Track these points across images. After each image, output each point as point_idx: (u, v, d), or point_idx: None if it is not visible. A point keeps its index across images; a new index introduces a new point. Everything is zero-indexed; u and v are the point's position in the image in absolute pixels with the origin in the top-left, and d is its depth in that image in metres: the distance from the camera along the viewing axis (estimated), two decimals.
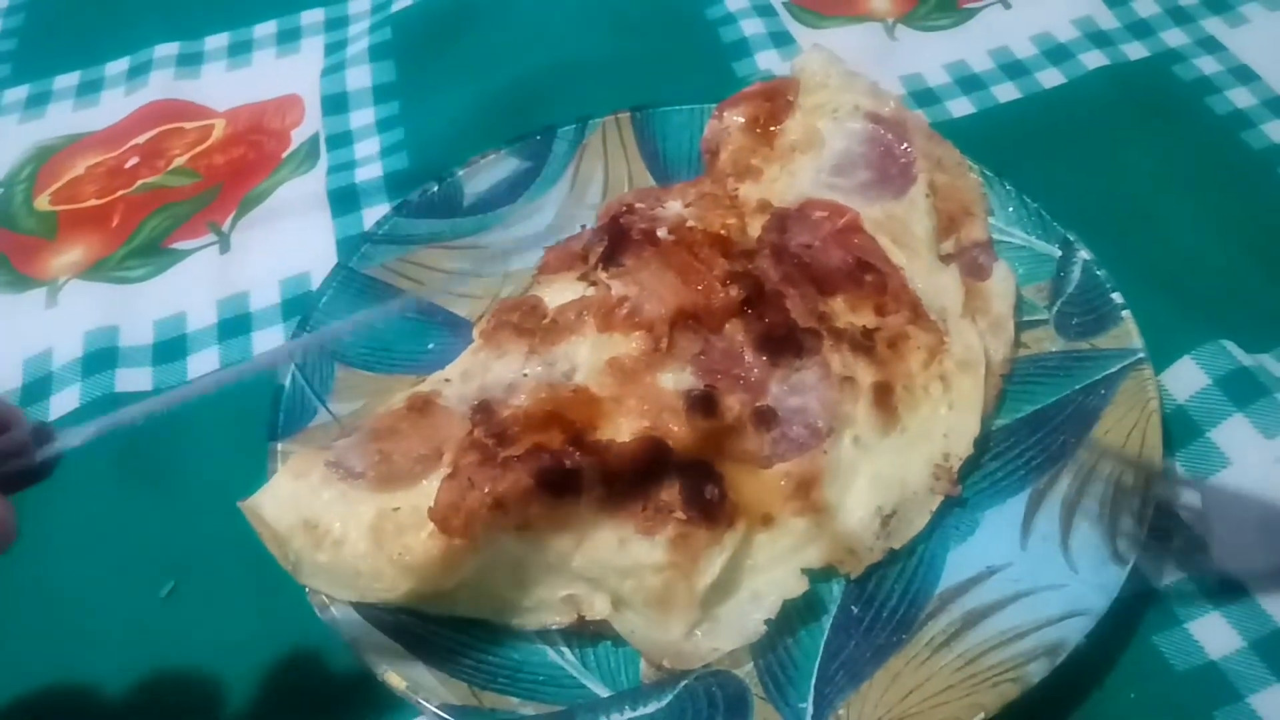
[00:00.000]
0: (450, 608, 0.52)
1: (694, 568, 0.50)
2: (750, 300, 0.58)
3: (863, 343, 0.57)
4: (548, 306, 0.60)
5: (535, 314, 0.60)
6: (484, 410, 0.54)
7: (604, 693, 0.50)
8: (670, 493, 0.51)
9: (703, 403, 0.54)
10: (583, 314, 0.58)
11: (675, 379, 0.55)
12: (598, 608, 0.50)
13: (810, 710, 0.48)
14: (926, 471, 0.55)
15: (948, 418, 0.57)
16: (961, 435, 0.57)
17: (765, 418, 0.54)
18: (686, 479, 0.51)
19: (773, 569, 0.52)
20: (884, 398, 0.56)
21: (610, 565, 0.50)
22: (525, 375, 0.56)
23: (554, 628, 0.52)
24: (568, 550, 0.50)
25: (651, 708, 0.49)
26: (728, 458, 0.53)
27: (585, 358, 0.57)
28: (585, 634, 0.52)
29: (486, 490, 0.50)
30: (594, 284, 0.61)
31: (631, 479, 0.51)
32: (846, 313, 0.59)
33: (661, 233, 0.62)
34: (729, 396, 0.55)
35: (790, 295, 0.59)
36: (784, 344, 0.56)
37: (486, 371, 0.57)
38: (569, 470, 0.51)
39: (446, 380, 0.57)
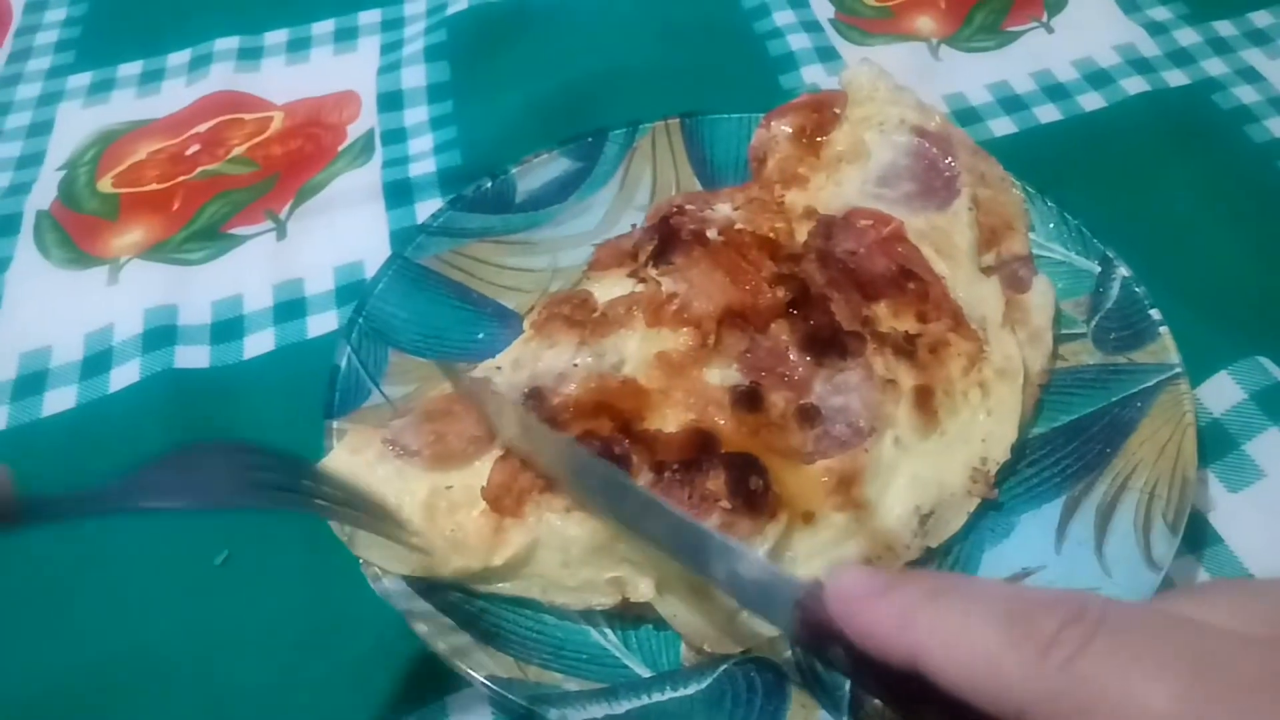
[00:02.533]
0: (498, 585, 0.53)
1: None
2: (796, 302, 0.59)
3: (905, 347, 0.59)
4: (598, 300, 0.62)
5: (586, 307, 0.61)
6: (536, 396, 0.56)
7: (645, 673, 0.52)
8: (716, 482, 0.52)
9: (748, 397, 0.56)
10: (632, 309, 0.60)
11: (721, 375, 0.57)
12: (642, 590, 0.52)
13: (848, 697, 0.50)
14: (964, 474, 0.56)
15: (986, 423, 0.58)
16: (999, 441, 0.58)
17: (809, 415, 0.56)
18: (732, 469, 0.52)
19: (812, 561, 0.53)
20: (925, 401, 0.57)
21: None
22: (575, 365, 0.58)
23: (598, 609, 0.53)
24: (615, 532, 0.51)
25: (691, 689, 0.50)
26: (771, 452, 0.54)
27: (634, 351, 0.58)
28: (627, 616, 0.54)
29: (537, 474, 0.52)
30: (643, 280, 0.62)
31: (679, 467, 0.52)
32: (889, 318, 0.61)
33: (711, 234, 0.63)
34: (774, 393, 0.56)
35: (835, 299, 0.60)
36: (828, 345, 0.58)
37: (537, 360, 0.59)
38: (618, 456, 0.52)
39: (498, 368, 0.59)
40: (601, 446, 0.53)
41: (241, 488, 0.43)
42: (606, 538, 0.51)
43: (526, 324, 0.63)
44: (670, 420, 0.55)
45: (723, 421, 0.55)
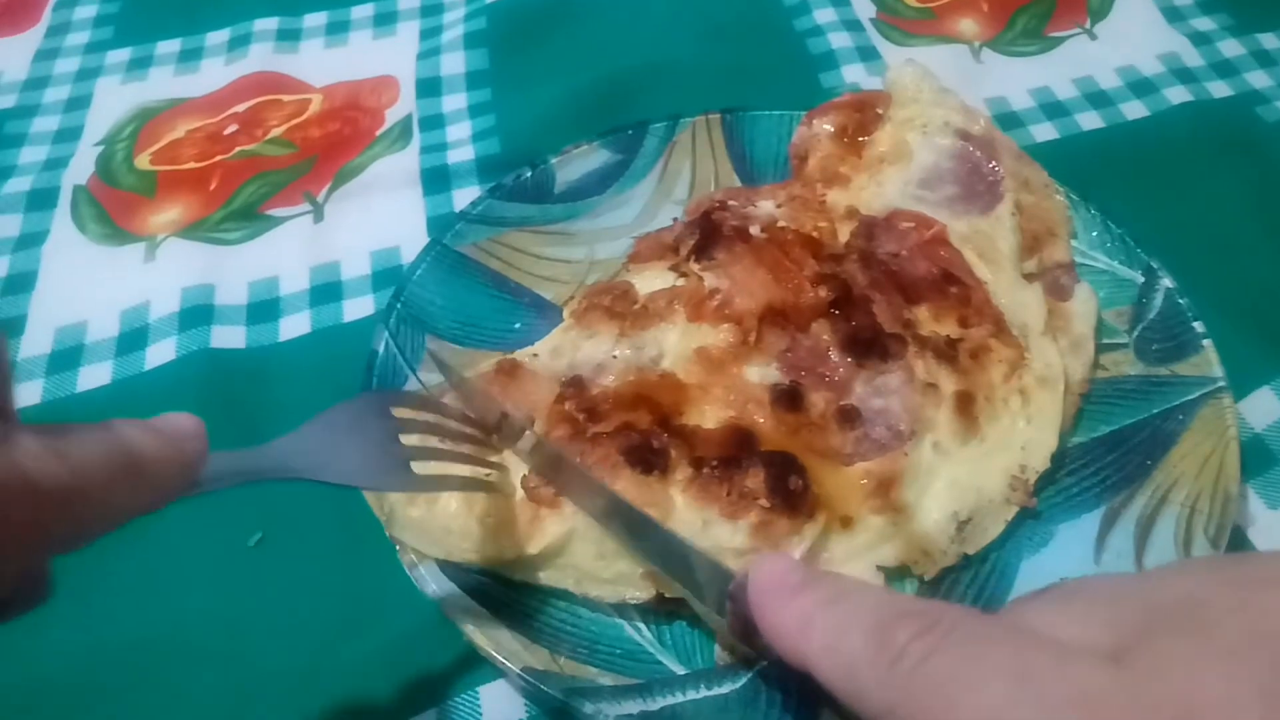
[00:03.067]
0: (532, 574, 0.53)
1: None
2: (838, 302, 0.59)
3: (946, 351, 0.58)
4: (638, 293, 0.62)
5: (626, 299, 0.61)
6: (576, 384, 0.56)
7: (680, 670, 0.51)
8: (755, 480, 0.52)
9: (789, 396, 0.56)
10: (673, 302, 0.60)
11: (761, 373, 0.57)
12: (675, 586, 0.51)
13: None
14: (1003, 482, 0.56)
15: (1026, 431, 0.58)
16: (1039, 449, 0.57)
17: (849, 416, 0.56)
18: (771, 468, 0.52)
19: (848, 563, 0.53)
20: (966, 406, 0.57)
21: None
22: (614, 357, 0.58)
23: (632, 602, 0.53)
24: None
25: (726, 688, 0.50)
26: (810, 452, 0.54)
27: (673, 345, 0.58)
28: (661, 613, 0.54)
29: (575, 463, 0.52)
30: (684, 275, 0.62)
31: (718, 464, 0.52)
32: (930, 322, 0.60)
33: (754, 230, 0.63)
34: (814, 393, 0.56)
35: (877, 300, 0.60)
36: (870, 346, 0.58)
37: (576, 350, 0.59)
38: (656, 449, 0.52)
39: (534, 355, 0.59)
40: (640, 439, 0.53)
41: (396, 465, 0.45)
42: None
43: (566, 313, 0.63)
44: (709, 416, 0.55)
45: (762, 420, 0.55)
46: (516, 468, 0.53)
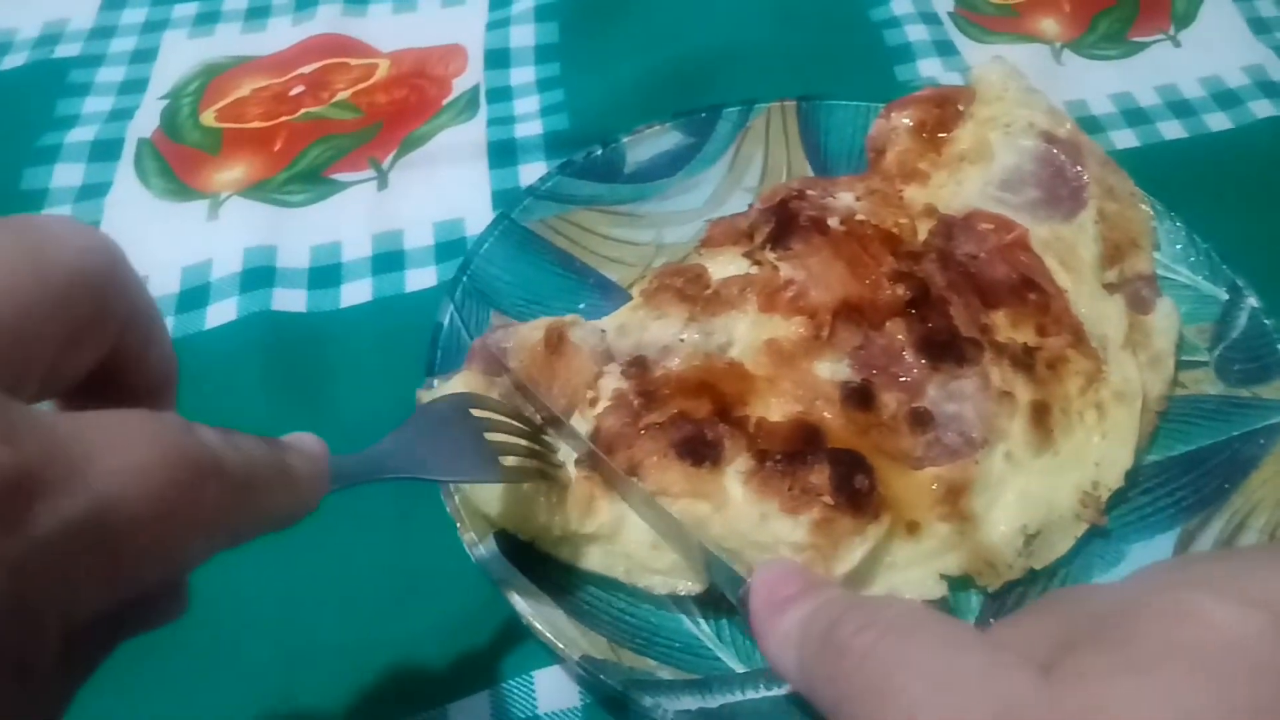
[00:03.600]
0: (581, 557, 0.52)
1: (833, 553, 0.50)
2: (915, 301, 0.58)
3: (1023, 360, 0.57)
4: (711, 277, 0.60)
5: (699, 283, 0.60)
6: (639, 364, 0.55)
7: (739, 668, 0.50)
8: (819, 476, 0.51)
9: (860, 395, 0.54)
10: (746, 291, 0.59)
11: (832, 369, 0.56)
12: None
13: None
14: (1074, 497, 0.55)
15: (1100, 446, 0.56)
16: (1113, 466, 0.56)
17: (921, 419, 0.54)
18: (838, 466, 0.51)
19: (910, 569, 0.52)
20: (1041, 417, 0.55)
21: (749, 538, 0.50)
22: (681, 340, 0.57)
23: (684, 594, 0.52)
24: (705, 516, 0.51)
25: (785, 689, 0.49)
26: (879, 453, 0.53)
27: (743, 334, 0.57)
28: (721, 607, 0.53)
29: (625, 456, 0.52)
30: (758, 263, 0.61)
31: (782, 458, 0.51)
32: (1007, 328, 0.59)
33: (832, 222, 0.62)
34: (885, 393, 0.55)
35: (954, 302, 0.59)
36: (946, 350, 0.56)
37: (644, 330, 0.58)
38: (709, 440, 0.51)
39: (603, 330, 0.58)
40: (693, 431, 0.52)
41: (488, 460, 0.48)
42: (697, 521, 0.50)
43: (636, 290, 0.62)
44: (774, 409, 0.54)
45: (830, 416, 0.54)
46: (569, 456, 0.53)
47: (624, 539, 0.52)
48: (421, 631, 0.53)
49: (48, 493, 0.24)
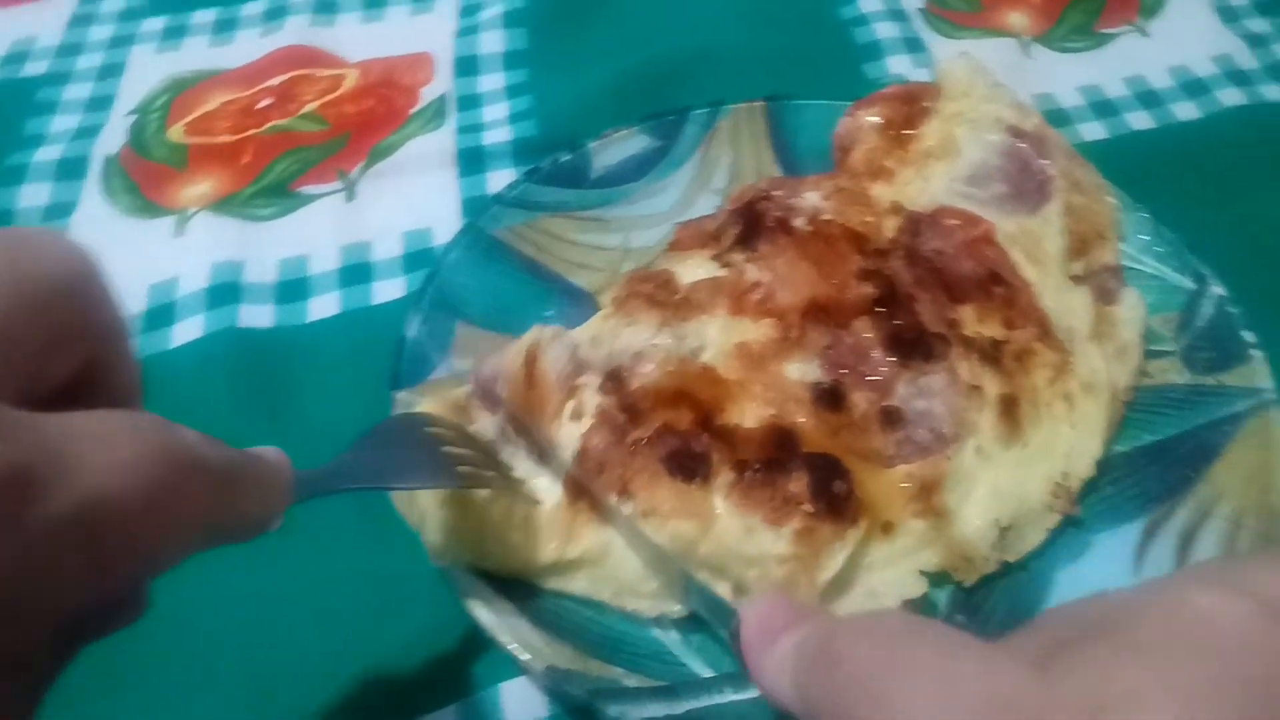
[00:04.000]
0: (567, 583, 0.52)
1: (816, 562, 0.50)
2: (882, 299, 0.58)
3: (991, 353, 0.57)
4: (680, 282, 0.60)
5: (668, 288, 0.60)
6: (615, 379, 0.55)
7: (706, 673, 0.50)
8: (799, 484, 0.51)
9: (830, 395, 0.54)
10: (716, 294, 0.59)
11: (802, 370, 0.56)
12: (719, 595, 0.50)
13: None
14: (1046, 489, 0.55)
15: (1070, 437, 0.56)
16: (1082, 456, 0.56)
17: (892, 417, 0.54)
18: (815, 472, 0.51)
19: (888, 569, 0.52)
20: (1010, 410, 0.55)
21: (736, 553, 0.50)
22: (655, 345, 0.56)
23: (675, 616, 0.52)
24: (694, 536, 0.50)
25: (754, 693, 0.49)
26: (851, 454, 0.53)
27: (715, 338, 0.57)
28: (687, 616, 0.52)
29: (615, 476, 0.51)
30: (727, 265, 0.61)
31: (760, 467, 0.51)
32: (974, 322, 0.59)
33: (799, 222, 0.62)
34: (855, 393, 0.55)
35: (921, 299, 0.59)
36: (914, 346, 0.56)
37: (616, 338, 0.58)
38: (697, 454, 0.51)
39: (575, 345, 0.58)
40: (680, 444, 0.51)
41: (444, 468, 0.48)
42: (685, 542, 0.50)
43: (606, 299, 0.62)
44: (748, 414, 0.54)
45: (802, 419, 0.54)
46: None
47: (611, 563, 0.52)
48: (388, 645, 0.52)
49: (41, 489, 0.25)
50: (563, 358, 0.56)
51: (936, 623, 0.36)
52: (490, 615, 0.48)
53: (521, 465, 0.54)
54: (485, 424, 0.55)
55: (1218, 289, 0.61)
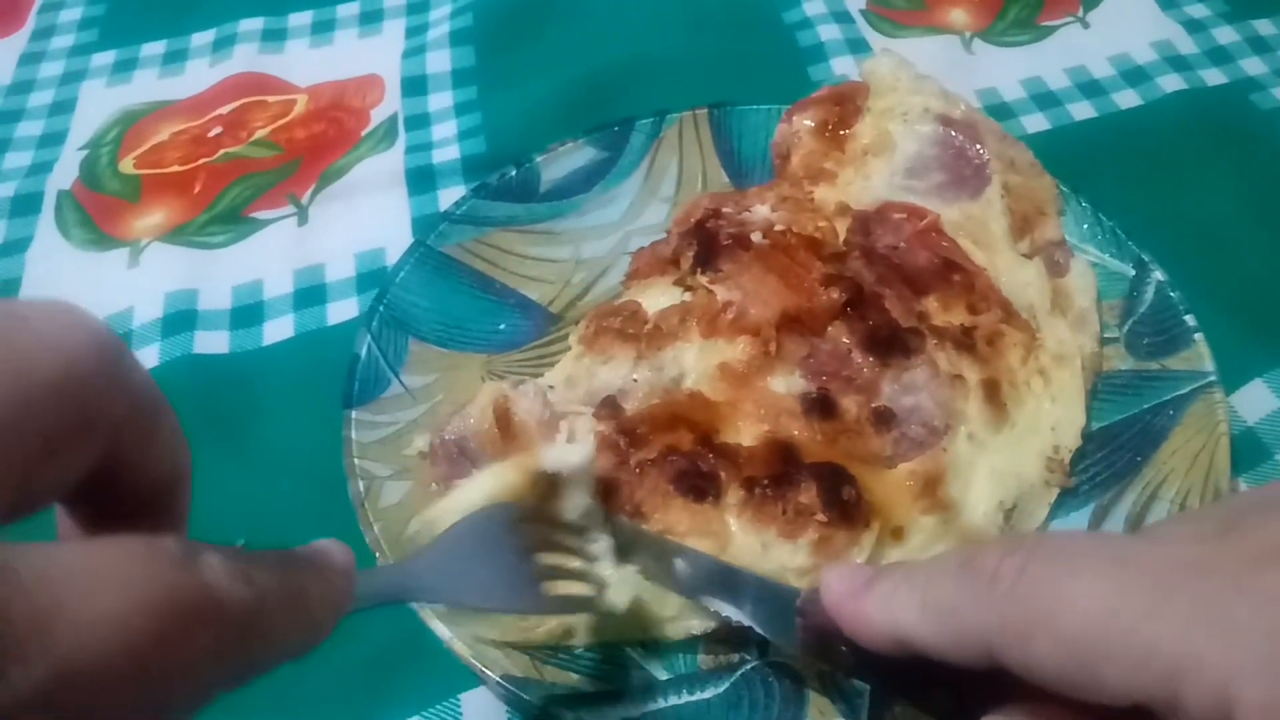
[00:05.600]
0: (598, 637, 0.51)
1: None
2: (851, 301, 0.59)
3: (964, 341, 0.58)
4: (647, 312, 0.61)
5: (636, 319, 0.60)
6: (610, 405, 0.55)
7: (663, 676, 0.51)
8: (809, 495, 0.51)
9: (821, 404, 0.55)
10: (686, 319, 0.59)
11: (787, 383, 0.56)
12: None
13: (867, 705, 0.49)
14: (1040, 464, 0.56)
15: (1052, 411, 0.58)
16: (1068, 426, 0.57)
17: (884, 418, 0.55)
18: (823, 481, 0.52)
19: None
20: (993, 394, 0.57)
21: (756, 570, 0.50)
22: (635, 380, 0.57)
23: (697, 633, 0.51)
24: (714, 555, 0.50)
25: (709, 693, 0.50)
26: (852, 459, 0.54)
27: (693, 363, 0.58)
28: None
29: (625, 497, 0.52)
30: (691, 289, 0.62)
31: (769, 483, 0.51)
32: (940, 312, 0.60)
33: (755, 237, 0.63)
34: (844, 398, 0.56)
35: (887, 295, 0.60)
36: (891, 344, 0.57)
37: (593, 377, 0.58)
38: (705, 473, 0.52)
39: (550, 387, 0.58)
40: (688, 464, 0.52)
41: (532, 585, 0.45)
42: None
43: (573, 339, 0.62)
44: (744, 433, 0.54)
45: (798, 431, 0.54)
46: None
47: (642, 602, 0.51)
48: (350, 662, 0.53)
49: (8, 661, 0.21)
50: (537, 405, 0.56)
51: (1073, 530, 0.38)
52: (446, 628, 0.49)
53: (606, 559, 0.49)
54: (576, 506, 0.50)
55: (1158, 274, 0.62)
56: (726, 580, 0.49)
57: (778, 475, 0.52)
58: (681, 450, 0.53)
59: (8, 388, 0.25)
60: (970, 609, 0.34)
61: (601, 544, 0.49)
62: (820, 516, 0.50)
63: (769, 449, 0.53)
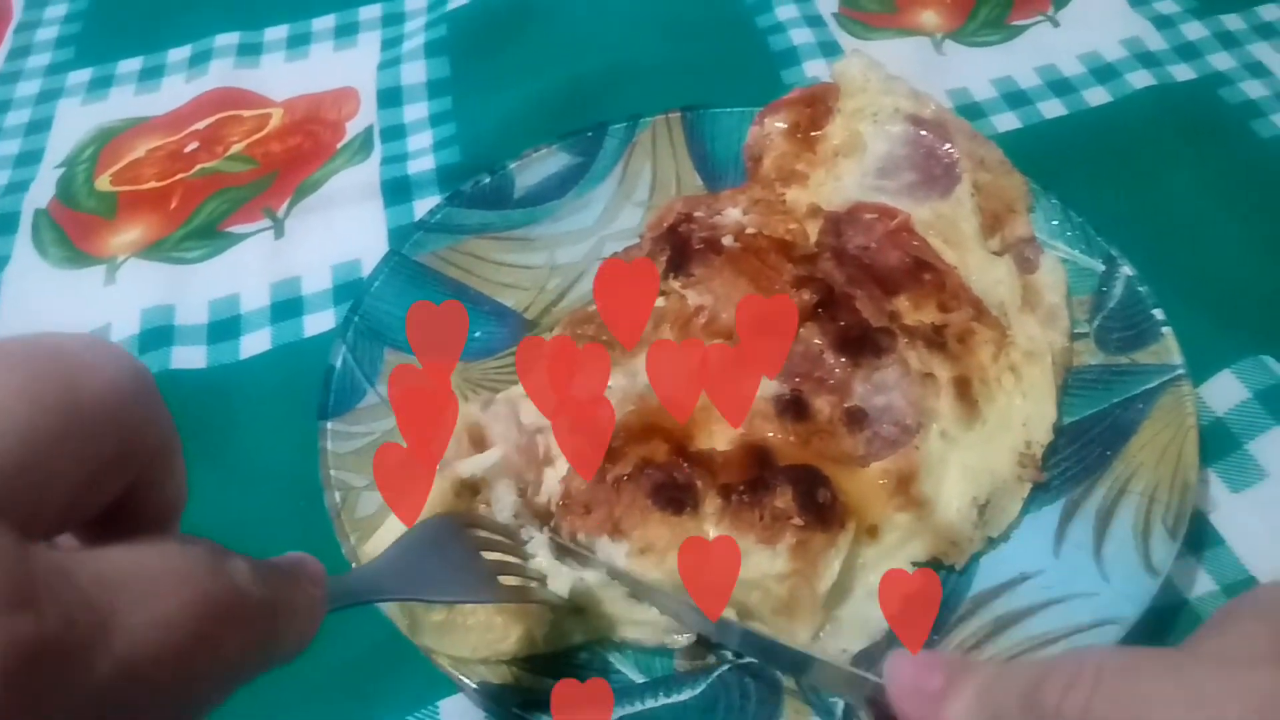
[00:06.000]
0: (565, 639, 0.52)
1: (814, 572, 0.51)
2: (822, 303, 0.59)
3: (935, 339, 0.59)
4: None
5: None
6: None
7: (638, 679, 0.51)
8: (784, 500, 0.51)
9: (794, 406, 0.56)
10: (660, 325, 0.60)
11: (761, 385, 0.56)
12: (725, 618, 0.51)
13: (841, 705, 0.49)
14: (1012, 460, 0.57)
15: (1023, 407, 0.58)
16: (1039, 422, 0.58)
17: (856, 418, 0.56)
18: (798, 484, 0.52)
19: (881, 566, 0.53)
20: (964, 391, 0.57)
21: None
22: (610, 388, 0.57)
23: (672, 646, 0.52)
24: None
25: (685, 695, 0.50)
26: (826, 460, 0.54)
27: None
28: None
29: (603, 515, 0.52)
30: (664, 294, 0.62)
31: (745, 489, 0.52)
32: (912, 311, 0.61)
33: (726, 240, 0.63)
34: (817, 399, 0.56)
35: (858, 296, 0.60)
36: (862, 344, 0.58)
37: None
38: (682, 484, 0.52)
39: (525, 396, 0.57)
40: (663, 477, 0.52)
41: (484, 578, 0.47)
42: None
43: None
44: (718, 437, 0.55)
45: (772, 433, 0.55)
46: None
47: (605, 600, 0.52)
48: (329, 671, 0.53)
49: (72, 662, 0.23)
50: (512, 428, 0.56)
51: (1128, 648, 0.37)
52: (424, 635, 0.49)
53: (542, 553, 0.51)
54: (504, 505, 0.53)
55: (1127, 269, 0.62)
56: (779, 656, 0.50)
57: (753, 480, 0.52)
58: (657, 462, 0.53)
59: (62, 415, 0.26)
60: None
61: (536, 541, 0.51)
62: (797, 520, 0.51)
63: (744, 454, 0.54)
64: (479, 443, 0.55)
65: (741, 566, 0.50)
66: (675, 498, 0.52)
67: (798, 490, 0.51)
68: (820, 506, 0.51)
